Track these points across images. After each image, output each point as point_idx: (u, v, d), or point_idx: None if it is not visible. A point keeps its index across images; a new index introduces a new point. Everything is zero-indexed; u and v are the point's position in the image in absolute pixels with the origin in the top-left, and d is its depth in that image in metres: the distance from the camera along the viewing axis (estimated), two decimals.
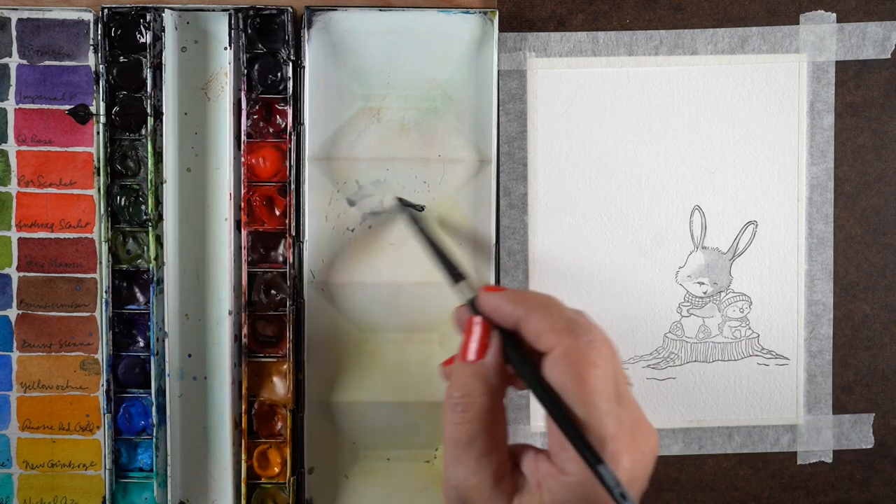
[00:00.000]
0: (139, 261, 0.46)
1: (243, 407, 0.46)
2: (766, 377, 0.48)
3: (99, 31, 0.45)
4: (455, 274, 0.39)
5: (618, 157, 0.47)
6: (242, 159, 0.46)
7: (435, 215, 0.46)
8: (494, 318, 0.34)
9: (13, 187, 0.46)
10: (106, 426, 0.46)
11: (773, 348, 0.48)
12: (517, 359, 0.33)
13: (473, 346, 0.34)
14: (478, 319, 0.35)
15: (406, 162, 0.46)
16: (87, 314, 0.47)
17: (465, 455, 0.33)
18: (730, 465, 0.48)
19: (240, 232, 0.46)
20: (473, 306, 0.35)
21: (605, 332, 0.33)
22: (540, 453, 0.33)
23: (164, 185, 0.45)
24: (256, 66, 0.46)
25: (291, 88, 0.45)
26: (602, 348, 0.32)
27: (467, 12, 0.45)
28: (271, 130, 0.46)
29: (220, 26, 0.45)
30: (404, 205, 0.46)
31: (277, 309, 0.46)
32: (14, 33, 0.46)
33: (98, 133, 0.46)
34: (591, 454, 0.30)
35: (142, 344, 0.46)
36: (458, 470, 0.33)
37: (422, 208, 0.46)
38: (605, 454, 0.30)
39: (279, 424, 0.47)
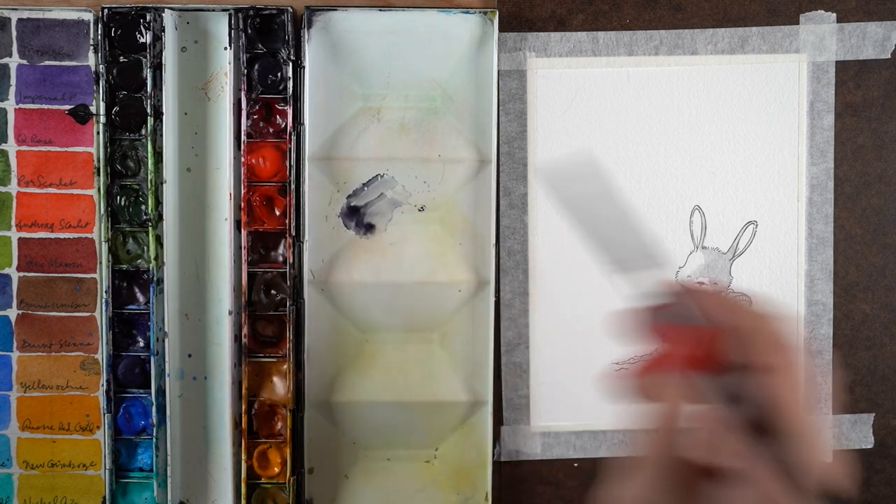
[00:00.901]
0: (139, 261, 0.46)
1: (243, 407, 0.46)
2: None
3: (99, 31, 0.45)
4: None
5: (618, 157, 0.47)
6: (242, 159, 0.46)
7: (436, 216, 0.46)
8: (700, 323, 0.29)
9: (13, 187, 0.46)
10: (106, 426, 0.46)
11: None
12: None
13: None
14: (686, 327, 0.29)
15: (406, 162, 0.46)
16: (87, 314, 0.47)
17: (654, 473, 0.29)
18: None
19: (240, 232, 0.46)
20: (663, 312, 0.29)
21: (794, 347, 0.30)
22: None
23: (164, 185, 0.45)
24: (256, 66, 0.46)
25: (291, 88, 0.45)
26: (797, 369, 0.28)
27: (467, 12, 0.45)
28: (271, 130, 0.46)
29: (220, 26, 0.45)
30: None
31: (277, 309, 0.46)
32: (14, 33, 0.46)
33: (98, 133, 0.46)
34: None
35: (142, 344, 0.46)
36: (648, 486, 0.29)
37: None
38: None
39: (279, 424, 0.47)
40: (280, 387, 0.46)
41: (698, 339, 0.28)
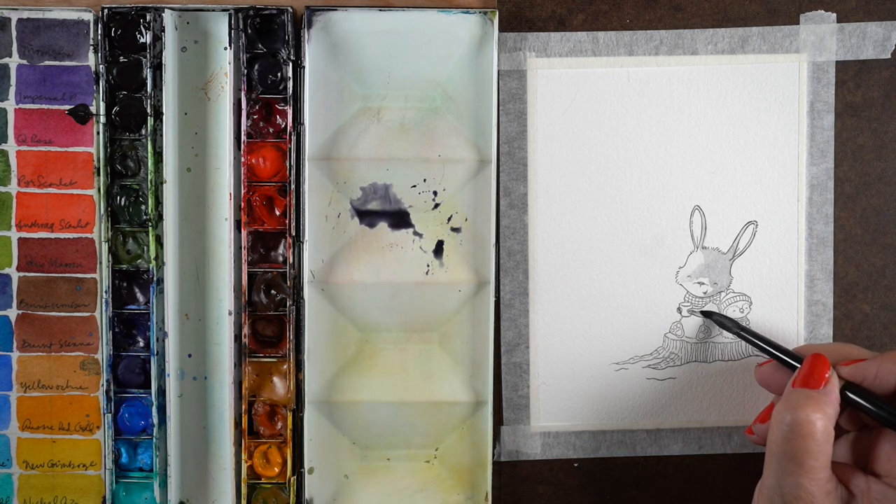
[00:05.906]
0: (139, 261, 0.46)
1: (243, 407, 0.46)
2: None
3: (99, 31, 0.45)
4: (794, 363, 0.42)
5: (618, 157, 0.47)
6: (242, 159, 0.46)
7: (443, 216, 0.46)
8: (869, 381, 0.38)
9: (13, 187, 0.46)
10: (106, 426, 0.46)
11: None
12: (865, 397, 0.38)
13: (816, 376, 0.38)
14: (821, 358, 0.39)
15: (406, 162, 0.46)
16: (87, 314, 0.47)
17: (801, 469, 0.36)
18: (730, 465, 0.48)
19: (240, 232, 0.46)
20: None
21: None
22: (870, 477, 0.37)
23: (164, 185, 0.45)
24: (256, 66, 0.46)
25: (291, 88, 0.46)
26: None
27: (467, 12, 0.45)
28: (271, 130, 0.46)
29: (220, 26, 0.45)
30: (714, 319, 0.47)
31: (277, 309, 0.46)
32: (14, 33, 0.46)
33: (98, 133, 0.46)
34: None
35: (142, 344, 0.47)
36: (793, 479, 0.36)
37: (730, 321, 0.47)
38: None
39: (279, 424, 0.47)
40: (280, 387, 0.47)
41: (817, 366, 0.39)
